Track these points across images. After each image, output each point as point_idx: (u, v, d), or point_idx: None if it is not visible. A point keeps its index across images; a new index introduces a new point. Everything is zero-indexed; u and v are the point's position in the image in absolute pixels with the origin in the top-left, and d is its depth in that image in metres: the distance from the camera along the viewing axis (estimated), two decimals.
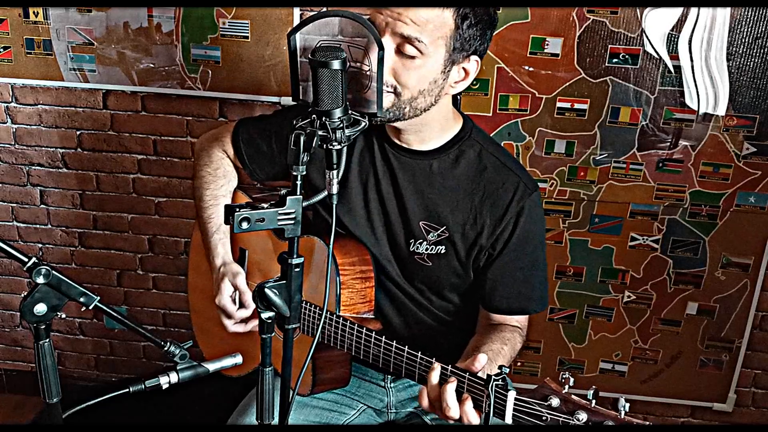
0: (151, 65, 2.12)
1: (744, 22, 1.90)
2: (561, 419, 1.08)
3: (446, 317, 1.58)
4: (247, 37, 2.06)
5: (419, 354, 1.29)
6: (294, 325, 1.12)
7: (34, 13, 2.09)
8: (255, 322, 1.60)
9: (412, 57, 1.29)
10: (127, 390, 1.15)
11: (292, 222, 1.05)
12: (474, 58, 1.36)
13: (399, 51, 1.29)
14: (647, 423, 1.04)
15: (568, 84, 1.99)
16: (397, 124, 1.41)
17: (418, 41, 1.27)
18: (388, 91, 1.32)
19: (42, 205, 2.37)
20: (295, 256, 1.08)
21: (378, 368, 1.64)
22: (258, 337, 1.12)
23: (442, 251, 1.48)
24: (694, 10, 1.90)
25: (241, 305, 1.57)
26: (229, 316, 1.57)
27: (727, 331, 2.24)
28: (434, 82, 1.33)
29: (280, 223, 1.04)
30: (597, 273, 2.20)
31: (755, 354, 2.29)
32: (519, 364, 2.35)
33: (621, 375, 2.32)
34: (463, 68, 1.36)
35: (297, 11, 2.02)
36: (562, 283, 2.23)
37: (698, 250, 2.15)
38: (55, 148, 2.28)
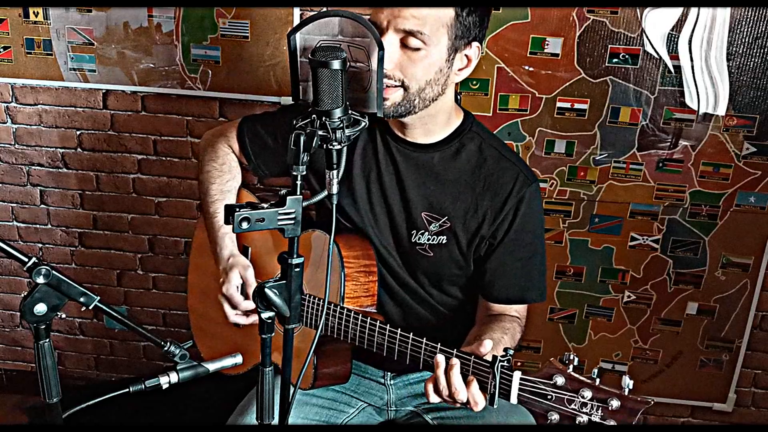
0: (151, 65, 2.12)
1: (744, 22, 1.90)
2: (566, 397, 1.09)
3: (446, 312, 1.60)
4: (247, 37, 2.06)
5: (424, 340, 1.31)
6: (294, 325, 1.12)
7: (34, 13, 2.09)
8: (255, 318, 1.60)
9: (417, 49, 1.32)
10: (127, 390, 1.15)
11: (292, 222, 1.05)
12: (475, 44, 1.39)
13: (403, 44, 1.32)
14: (650, 400, 1.06)
15: (568, 84, 1.99)
16: (406, 119, 1.43)
17: (421, 34, 1.30)
18: (396, 86, 1.35)
19: (42, 205, 2.37)
20: (295, 256, 1.08)
21: (379, 364, 1.65)
22: (256, 336, 1.12)
23: (444, 241, 1.50)
24: (694, 10, 1.90)
25: (247, 297, 1.58)
26: (234, 306, 1.58)
27: (727, 331, 2.24)
28: (440, 71, 1.36)
29: (280, 223, 1.04)
30: (597, 273, 2.20)
31: (755, 354, 2.29)
32: (519, 364, 2.35)
33: (621, 375, 2.31)
34: (466, 55, 1.40)
35: (297, 11, 2.02)
36: (562, 283, 2.23)
37: (698, 250, 2.15)
38: (55, 148, 2.28)
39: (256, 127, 1.64)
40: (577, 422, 1.10)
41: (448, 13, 1.32)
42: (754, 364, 2.30)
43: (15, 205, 2.37)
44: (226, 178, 1.68)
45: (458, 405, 1.24)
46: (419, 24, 1.29)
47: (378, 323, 1.39)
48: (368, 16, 1.32)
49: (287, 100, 2.10)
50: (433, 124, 1.47)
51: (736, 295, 2.19)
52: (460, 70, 1.41)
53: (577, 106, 2.02)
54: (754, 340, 2.26)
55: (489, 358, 1.21)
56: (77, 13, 2.08)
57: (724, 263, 2.16)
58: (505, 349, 1.19)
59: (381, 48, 1.16)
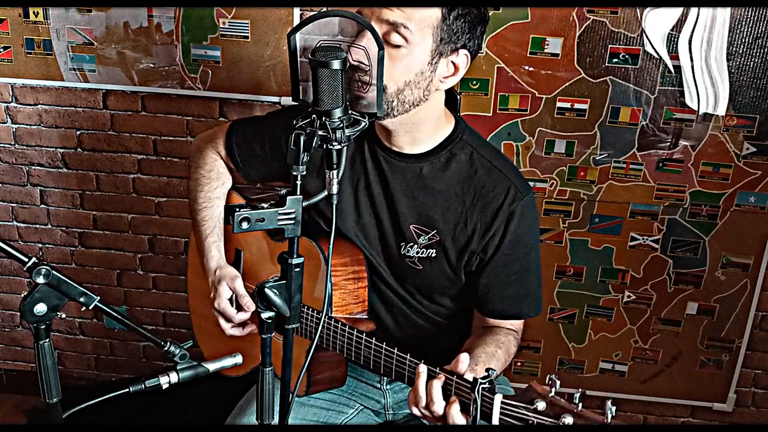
0: (151, 65, 2.12)
1: (744, 22, 1.90)
2: (547, 422, 1.07)
3: (439, 319, 1.57)
4: (247, 37, 2.06)
5: (408, 356, 1.28)
6: (294, 325, 1.12)
7: (34, 13, 2.09)
8: (252, 327, 1.59)
9: (398, 46, 1.27)
10: (127, 390, 1.15)
11: (292, 222, 1.05)
12: (463, 52, 1.34)
13: (385, 41, 1.27)
14: (633, 426, 1.04)
15: (568, 84, 1.99)
16: (388, 125, 1.39)
17: (404, 27, 1.26)
18: None
19: (42, 205, 2.37)
20: (295, 256, 1.08)
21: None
22: (257, 338, 1.12)
23: (433, 255, 1.46)
24: (694, 10, 1.90)
25: (240, 308, 1.56)
26: (228, 320, 1.56)
27: (727, 331, 2.24)
28: (421, 74, 1.31)
29: (280, 223, 1.04)
30: (597, 273, 2.20)
31: (755, 354, 2.29)
32: (519, 364, 2.35)
33: (621, 375, 2.32)
34: (452, 62, 1.34)
35: (297, 11, 2.02)
36: (562, 283, 2.23)
37: (698, 250, 2.15)
38: (55, 148, 2.28)
39: (244, 135, 1.62)
40: None
41: (435, 14, 1.27)
42: (754, 364, 2.31)
43: (15, 205, 2.37)
44: (214, 185, 1.66)
45: (437, 422, 1.20)
46: (404, 17, 1.25)
47: (364, 335, 1.36)
48: (356, 9, 1.30)
49: (287, 100, 2.10)
50: (419, 133, 1.41)
51: (736, 295, 2.19)
52: (445, 77, 1.35)
53: (577, 106, 2.02)
54: (754, 340, 2.26)
55: (470, 374, 1.18)
56: (77, 13, 2.08)
57: (724, 263, 2.16)
58: (488, 370, 1.15)
59: (381, 48, 1.16)
